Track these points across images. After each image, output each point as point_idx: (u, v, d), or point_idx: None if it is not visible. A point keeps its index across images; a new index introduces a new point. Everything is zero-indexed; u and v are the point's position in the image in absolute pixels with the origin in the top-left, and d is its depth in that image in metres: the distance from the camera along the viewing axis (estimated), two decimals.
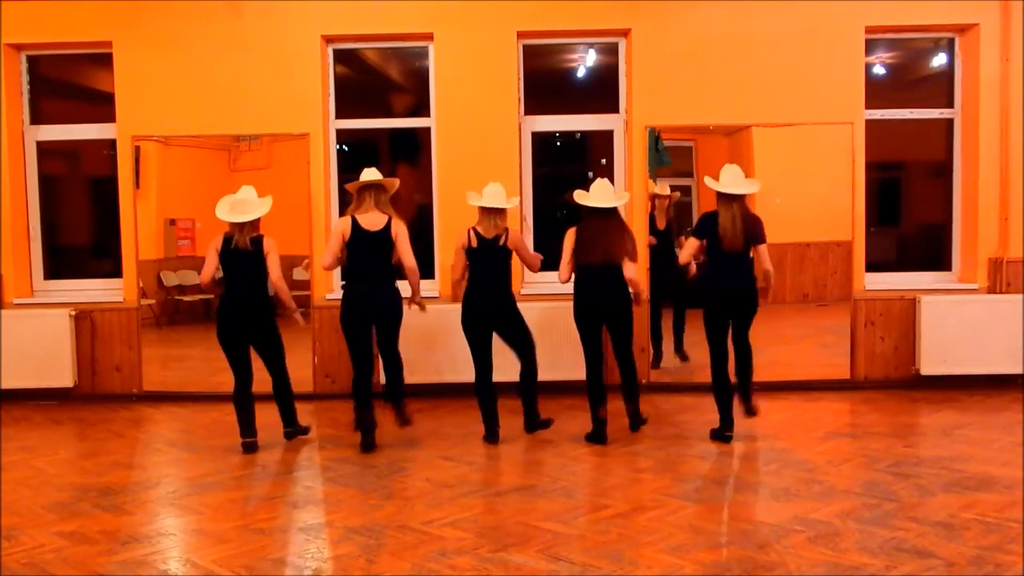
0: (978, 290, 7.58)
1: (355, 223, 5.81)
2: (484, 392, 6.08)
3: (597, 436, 5.97)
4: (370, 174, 5.92)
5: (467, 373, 6.92)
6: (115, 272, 7.85)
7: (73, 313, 7.58)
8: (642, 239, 7.51)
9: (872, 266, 7.68)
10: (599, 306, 5.96)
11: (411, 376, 7.32)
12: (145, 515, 4.77)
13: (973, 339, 7.31)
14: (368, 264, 5.80)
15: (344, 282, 5.95)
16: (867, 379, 7.58)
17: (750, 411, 6.00)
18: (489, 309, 5.99)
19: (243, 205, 5.85)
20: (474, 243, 5.97)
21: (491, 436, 6.04)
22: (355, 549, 4.12)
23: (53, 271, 8.06)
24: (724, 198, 5.86)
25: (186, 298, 10.53)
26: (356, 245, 5.80)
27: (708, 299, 5.96)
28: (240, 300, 5.85)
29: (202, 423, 6.86)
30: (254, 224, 5.88)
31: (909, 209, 9.26)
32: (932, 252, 8.14)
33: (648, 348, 7.59)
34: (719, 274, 5.89)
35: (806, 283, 8.00)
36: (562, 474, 5.33)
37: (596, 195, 5.97)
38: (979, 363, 7.36)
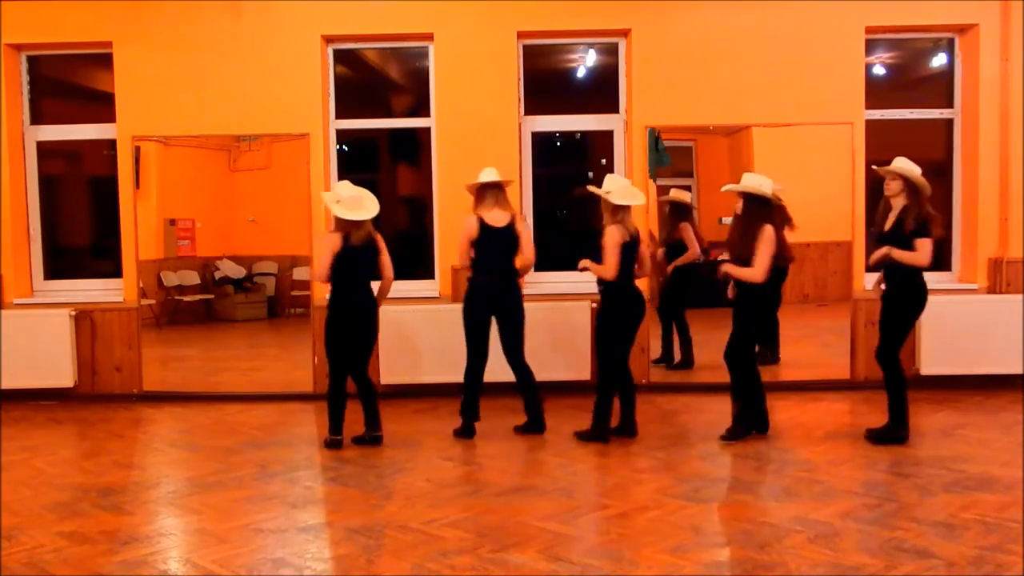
0: (978, 290, 7.57)
1: (482, 221, 5.96)
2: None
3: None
4: (491, 174, 6.05)
5: None
6: (115, 272, 7.84)
7: (73, 313, 7.57)
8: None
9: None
10: None
11: (412, 376, 7.37)
12: (145, 515, 4.77)
13: (973, 339, 7.30)
14: (497, 259, 6.00)
15: (473, 274, 6.03)
16: (867, 379, 7.57)
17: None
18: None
19: (358, 202, 5.80)
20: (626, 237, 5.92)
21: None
22: (355, 549, 4.12)
23: (53, 271, 8.05)
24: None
25: (186, 298, 10.54)
26: (485, 242, 5.96)
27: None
28: (358, 299, 5.87)
29: (202, 423, 6.86)
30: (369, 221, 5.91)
31: None
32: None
33: (648, 348, 7.59)
34: None
35: (806, 283, 8.01)
36: (562, 474, 5.33)
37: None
38: (979, 363, 7.35)
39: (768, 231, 5.71)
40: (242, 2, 7.51)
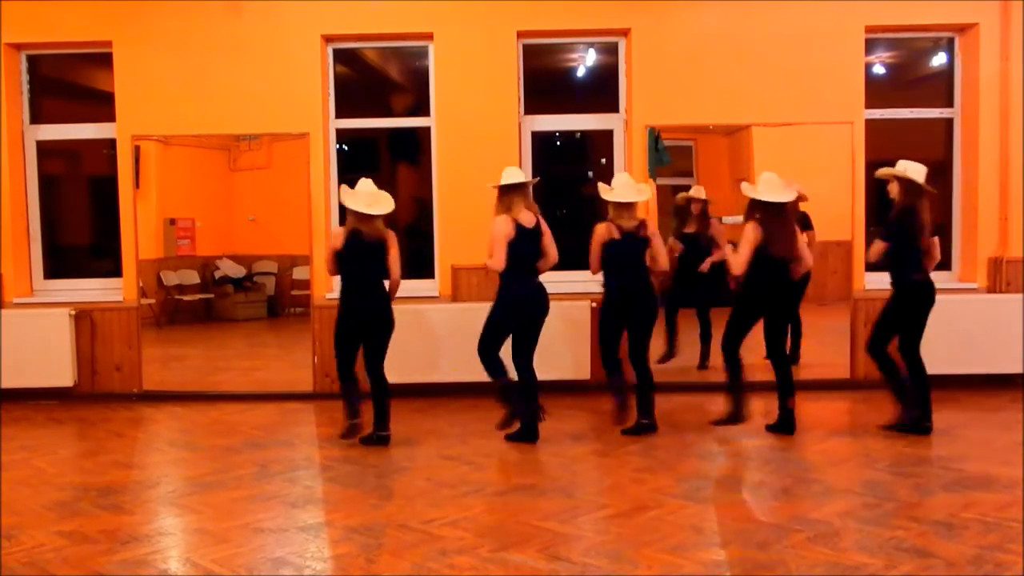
0: (978, 290, 7.57)
1: (517, 222, 5.87)
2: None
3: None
4: (518, 174, 6.02)
5: (467, 373, 6.93)
6: (115, 272, 7.83)
7: (73, 313, 7.57)
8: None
9: (872, 266, 7.66)
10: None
11: (411, 376, 7.35)
12: (145, 515, 4.77)
13: (973, 339, 7.30)
14: (528, 261, 5.93)
15: (508, 279, 5.91)
16: (867, 379, 7.56)
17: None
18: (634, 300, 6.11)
19: (375, 198, 5.85)
20: (616, 235, 6.01)
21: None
22: (355, 549, 4.12)
23: (53, 271, 8.05)
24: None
25: (186, 298, 10.55)
26: (519, 243, 5.86)
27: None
28: (365, 297, 5.88)
29: (202, 423, 6.86)
30: (382, 218, 5.90)
31: None
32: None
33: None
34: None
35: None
36: (562, 474, 5.33)
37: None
38: (979, 363, 7.35)
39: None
40: (242, 2, 7.52)
